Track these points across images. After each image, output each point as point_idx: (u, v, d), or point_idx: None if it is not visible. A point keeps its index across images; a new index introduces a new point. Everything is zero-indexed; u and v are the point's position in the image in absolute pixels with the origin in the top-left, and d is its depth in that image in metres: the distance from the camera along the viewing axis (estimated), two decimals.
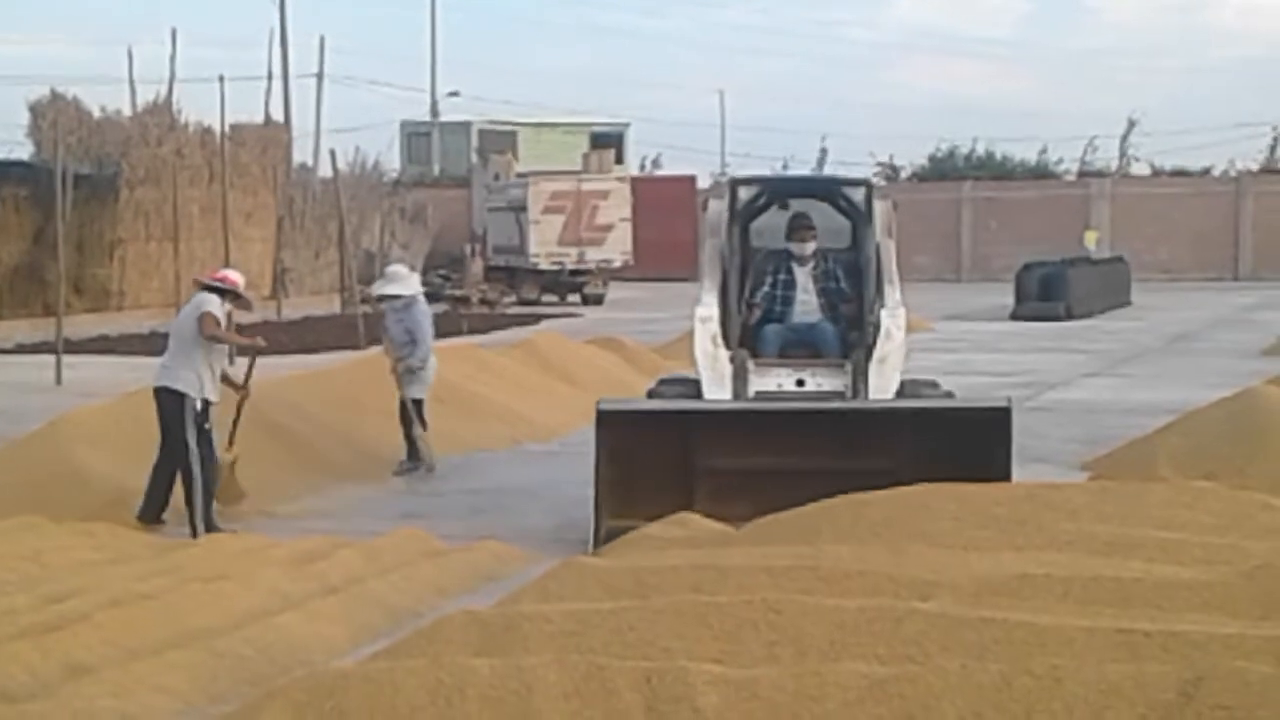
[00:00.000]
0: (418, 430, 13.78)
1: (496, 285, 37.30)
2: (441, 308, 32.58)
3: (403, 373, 13.75)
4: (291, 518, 11.85)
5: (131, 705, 6.97)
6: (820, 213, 11.84)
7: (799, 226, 11.77)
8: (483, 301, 35.63)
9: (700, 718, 5.45)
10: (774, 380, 11.18)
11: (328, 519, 11.88)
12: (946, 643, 6.09)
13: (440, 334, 22.55)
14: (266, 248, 35.86)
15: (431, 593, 9.23)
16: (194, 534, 11.10)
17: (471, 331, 26.82)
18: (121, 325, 29.74)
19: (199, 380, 11.24)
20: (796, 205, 11.88)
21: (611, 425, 10.64)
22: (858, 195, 11.73)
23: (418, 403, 13.87)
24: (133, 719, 6.87)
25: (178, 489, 11.34)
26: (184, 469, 11.20)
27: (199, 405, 11.22)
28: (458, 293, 36.04)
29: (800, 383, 11.20)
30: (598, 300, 38.16)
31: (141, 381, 15.35)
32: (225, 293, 11.50)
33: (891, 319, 11.18)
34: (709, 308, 11.29)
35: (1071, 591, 6.81)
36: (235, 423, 11.87)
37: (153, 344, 26.34)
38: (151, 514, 11.44)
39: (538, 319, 32.02)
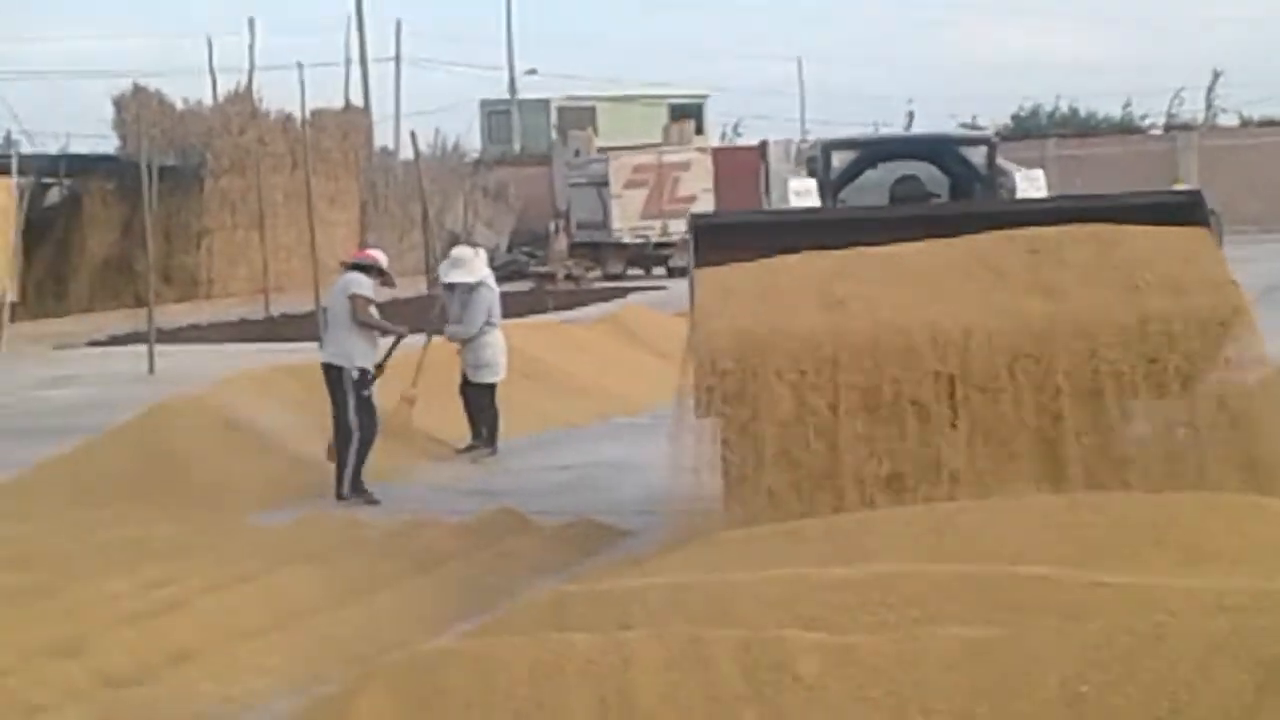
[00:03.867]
0: (488, 414, 13.64)
1: (581, 261, 37.28)
2: (527, 285, 32.66)
3: (463, 352, 13.60)
4: (383, 497, 11.89)
5: (233, 688, 7.05)
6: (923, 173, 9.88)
7: (909, 195, 9.72)
8: (568, 278, 35.66)
9: (800, 685, 5.41)
10: None
11: (417, 498, 11.93)
12: (1045, 604, 6.03)
13: (526, 311, 22.67)
14: (350, 232, 36.05)
15: (525, 569, 9.24)
16: (339, 495, 11.68)
17: (557, 308, 26.83)
18: (211, 313, 30.05)
19: (353, 353, 11.79)
20: (902, 167, 9.92)
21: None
22: (977, 156, 9.79)
23: (482, 387, 13.67)
24: (234, 701, 6.94)
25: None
26: (344, 433, 11.73)
27: (355, 375, 11.75)
28: (543, 270, 36.11)
29: None
30: (683, 272, 37.95)
31: (233, 369, 15.52)
32: (370, 269, 12.02)
33: None
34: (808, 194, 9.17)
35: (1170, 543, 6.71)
36: (419, 367, 13.46)
37: (243, 331, 26.64)
38: (345, 487, 11.74)
39: (624, 293, 31.98)
